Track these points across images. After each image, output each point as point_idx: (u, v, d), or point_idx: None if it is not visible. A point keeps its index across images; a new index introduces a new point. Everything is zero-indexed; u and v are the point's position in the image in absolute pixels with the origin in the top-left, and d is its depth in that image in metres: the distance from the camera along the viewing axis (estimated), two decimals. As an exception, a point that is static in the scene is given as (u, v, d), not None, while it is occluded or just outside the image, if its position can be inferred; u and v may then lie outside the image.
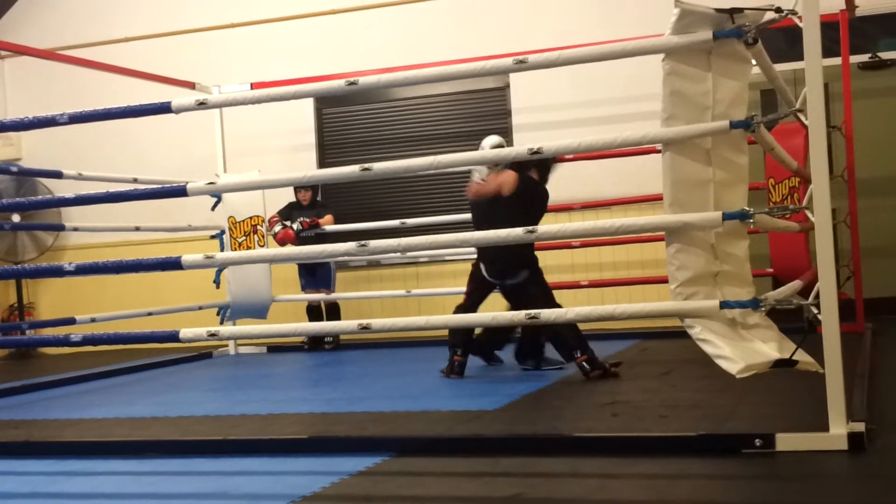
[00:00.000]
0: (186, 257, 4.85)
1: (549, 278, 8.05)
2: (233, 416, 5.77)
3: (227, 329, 5.07)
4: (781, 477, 3.69)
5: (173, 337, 4.79)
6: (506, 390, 6.05)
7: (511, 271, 6.64)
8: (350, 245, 4.64)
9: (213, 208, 9.42)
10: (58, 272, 5.35)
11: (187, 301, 9.53)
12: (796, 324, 4.53)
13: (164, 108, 5.01)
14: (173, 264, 4.87)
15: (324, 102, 10.82)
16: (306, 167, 10.48)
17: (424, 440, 4.65)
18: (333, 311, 9.70)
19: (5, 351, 11.35)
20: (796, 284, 5.20)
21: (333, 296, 9.62)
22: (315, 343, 9.68)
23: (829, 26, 7.01)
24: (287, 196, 9.67)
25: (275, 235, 9.29)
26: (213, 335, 4.82)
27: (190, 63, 10.61)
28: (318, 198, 9.80)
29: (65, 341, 5.15)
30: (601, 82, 9.49)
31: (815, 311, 3.99)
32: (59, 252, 11.48)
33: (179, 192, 5.04)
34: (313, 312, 9.74)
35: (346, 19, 10.50)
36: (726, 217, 4.02)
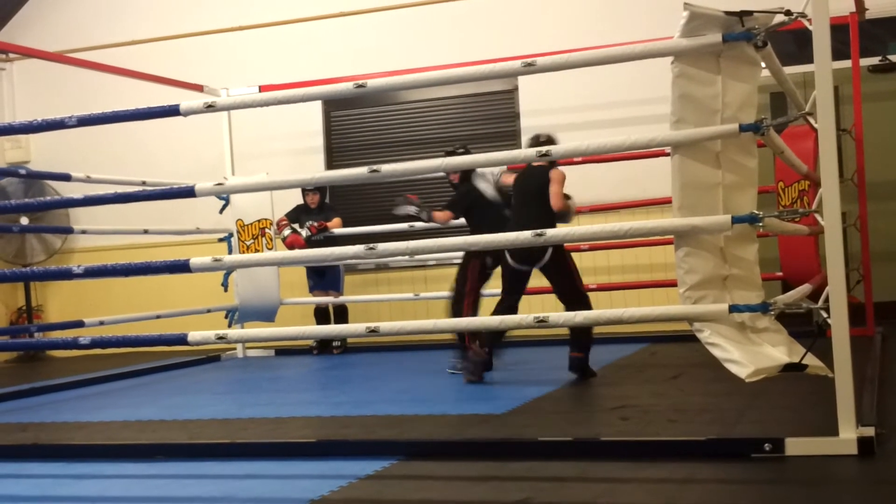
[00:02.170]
0: (195, 260, 4.85)
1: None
2: (241, 420, 5.77)
3: (235, 332, 5.07)
4: (791, 481, 3.68)
5: (182, 340, 4.79)
6: (514, 394, 6.04)
7: (536, 253, 6.51)
8: (358, 248, 4.63)
9: (221, 211, 9.43)
10: (66, 275, 5.36)
11: (196, 304, 9.54)
12: (806, 328, 4.52)
13: (172, 111, 5.01)
14: (182, 267, 4.87)
15: (332, 105, 10.83)
16: (314, 170, 10.49)
17: (433, 444, 4.65)
18: (341, 314, 9.69)
19: (14, 354, 11.37)
20: (806, 288, 5.18)
21: (342, 298, 9.61)
22: (323, 347, 9.68)
23: (838, 29, 6.98)
24: (295, 199, 9.67)
25: (284, 239, 9.29)
26: (221, 338, 4.82)
27: (198, 66, 10.63)
28: (326, 200, 9.80)
29: (73, 344, 5.15)
30: (610, 85, 9.47)
31: (825, 314, 3.98)
32: (68, 255, 11.50)
33: (188, 192, 5.04)
34: (321, 315, 9.74)
35: (354, 22, 10.51)
36: (735, 220, 4.01)
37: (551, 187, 6.44)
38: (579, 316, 4.73)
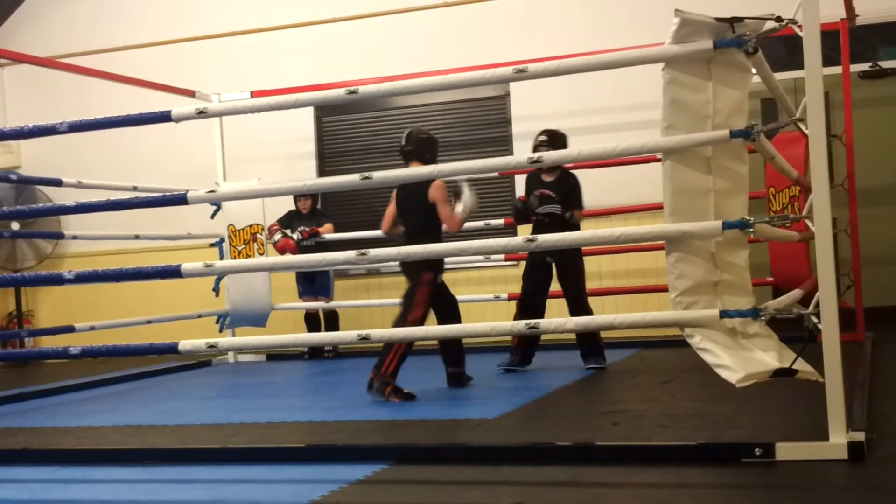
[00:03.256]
0: (186, 266, 4.85)
1: (555, 287, 8.08)
2: (232, 425, 5.77)
3: (226, 341, 5.06)
4: (781, 486, 3.69)
5: (173, 349, 4.79)
6: (506, 399, 6.04)
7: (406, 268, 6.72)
8: (350, 254, 4.64)
9: (213, 216, 9.42)
10: (57, 280, 5.35)
11: (187, 309, 9.53)
12: (796, 333, 4.53)
13: (164, 117, 5.02)
14: (173, 273, 4.87)
15: (324, 111, 10.83)
16: (306, 175, 10.49)
17: (424, 448, 4.64)
18: (332, 319, 9.69)
19: (4, 358, 11.35)
20: (796, 293, 5.20)
21: (332, 303, 9.61)
22: (315, 352, 9.67)
23: (829, 35, 7.00)
24: (286, 205, 9.67)
25: (275, 244, 9.29)
26: (212, 347, 4.82)
27: (190, 71, 10.63)
28: (318, 206, 9.80)
29: (63, 354, 5.14)
30: (601, 91, 9.49)
31: (816, 320, 3.99)
32: (59, 260, 11.47)
33: (180, 200, 5.04)
34: (311, 320, 9.73)
35: (346, 28, 10.52)
36: (726, 226, 4.02)
37: (439, 209, 6.41)
38: (570, 322, 4.73)
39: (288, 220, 9.53)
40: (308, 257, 5.49)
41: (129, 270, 5.14)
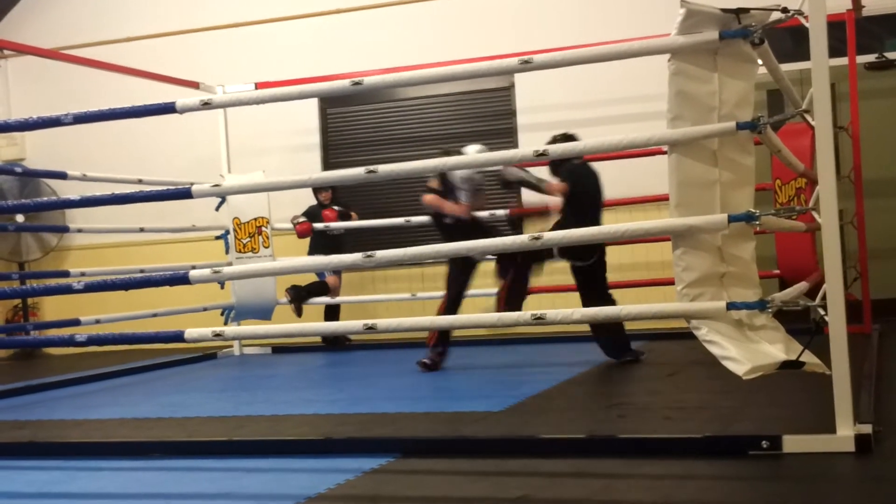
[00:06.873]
0: (194, 273, 4.86)
1: (556, 280, 8.06)
2: (238, 417, 5.77)
3: (231, 329, 5.07)
4: (788, 479, 3.68)
5: (178, 337, 4.79)
6: (511, 391, 6.04)
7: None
8: (356, 256, 4.63)
9: (218, 209, 9.41)
10: (67, 290, 5.36)
11: (192, 302, 9.52)
12: (803, 325, 4.51)
13: (168, 109, 5.01)
14: (181, 280, 4.88)
15: (328, 102, 10.82)
16: (311, 167, 10.49)
17: (430, 441, 4.64)
18: (332, 312, 9.72)
19: (10, 351, 11.35)
20: (803, 286, 5.18)
21: (338, 299, 9.60)
22: (333, 341, 9.73)
23: (835, 26, 6.94)
24: (292, 197, 9.64)
25: (295, 225, 9.26)
26: (218, 335, 4.82)
27: (194, 63, 10.61)
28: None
29: (70, 341, 5.16)
30: (606, 82, 9.47)
31: (822, 312, 3.98)
32: (64, 252, 11.48)
33: (184, 194, 5.04)
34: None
35: (350, 19, 10.50)
36: (732, 219, 4.01)
37: None
38: (577, 313, 4.72)
39: (316, 212, 9.53)
40: (314, 260, 5.49)
41: (137, 279, 5.14)
